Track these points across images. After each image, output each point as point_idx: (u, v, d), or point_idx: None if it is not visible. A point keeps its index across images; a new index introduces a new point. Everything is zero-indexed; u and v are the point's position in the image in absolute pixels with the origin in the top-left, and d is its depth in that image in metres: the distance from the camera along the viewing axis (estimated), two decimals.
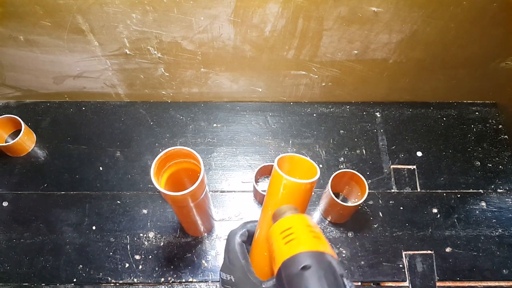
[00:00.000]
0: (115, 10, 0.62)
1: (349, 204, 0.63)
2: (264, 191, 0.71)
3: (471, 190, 0.74)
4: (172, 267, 0.66)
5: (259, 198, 0.72)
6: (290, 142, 0.79)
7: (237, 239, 0.50)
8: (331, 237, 0.69)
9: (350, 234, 0.69)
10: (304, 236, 0.39)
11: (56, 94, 0.81)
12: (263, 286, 0.46)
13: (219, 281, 0.52)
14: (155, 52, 0.70)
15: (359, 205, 0.64)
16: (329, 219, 0.70)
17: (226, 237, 0.52)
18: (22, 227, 0.69)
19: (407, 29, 0.66)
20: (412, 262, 0.67)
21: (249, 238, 0.51)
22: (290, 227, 0.41)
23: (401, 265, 0.67)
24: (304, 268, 0.35)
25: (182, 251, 0.67)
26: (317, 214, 0.72)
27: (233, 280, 0.48)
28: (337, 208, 0.65)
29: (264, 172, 0.73)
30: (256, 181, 0.72)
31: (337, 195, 0.71)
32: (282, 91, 0.81)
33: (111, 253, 0.67)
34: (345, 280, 0.34)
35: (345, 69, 0.75)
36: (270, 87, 0.80)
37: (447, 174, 0.76)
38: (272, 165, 0.68)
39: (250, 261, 0.48)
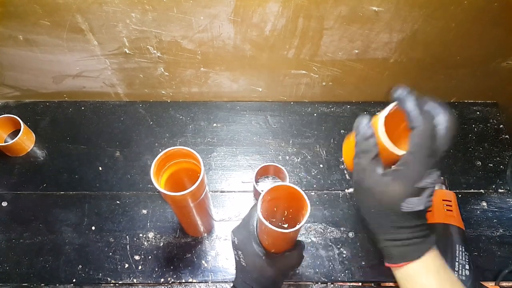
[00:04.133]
0: (115, 9, 0.61)
1: None
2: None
3: (472, 190, 0.74)
4: (171, 267, 0.66)
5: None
6: (291, 142, 0.79)
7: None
8: (331, 237, 0.69)
9: (351, 235, 0.69)
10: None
11: (56, 93, 0.81)
12: (263, 257, 0.48)
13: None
14: (155, 51, 0.70)
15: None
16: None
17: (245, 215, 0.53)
18: (21, 227, 0.69)
19: (407, 29, 0.66)
20: None
21: None
22: None
23: None
24: None
25: (182, 251, 0.67)
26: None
27: (236, 243, 0.50)
28: None
29: (264, 172, 0.73)
30: (256, 181, 0.72)
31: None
32: (283, 90, 0.81)
33: (110, 254, 0.67)
34: None
35: (345, 68, 0.75)
36: (270, 86, 0.80)
37: (448, 174, 0.75)
38: (272, 165, 0.68)
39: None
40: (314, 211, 0.71)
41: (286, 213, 0.53)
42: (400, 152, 0.41)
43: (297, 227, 0.43)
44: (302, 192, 0.44)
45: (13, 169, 0.75)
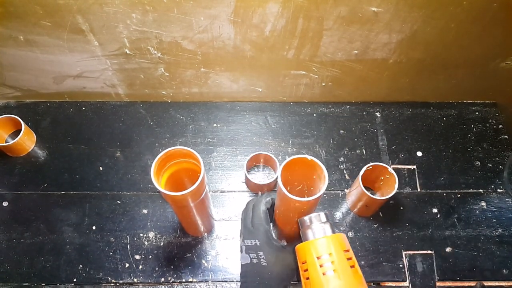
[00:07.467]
0: (115, 10, 0.62)
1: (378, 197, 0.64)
2: (254, 179, 0.72)
3: (471, 190, 0.74)
4: (172, 267, 0.66)
5: (251, 187, 0.73)
6: (290, 142, 0.79)
7: (262, 207, 0.54)
8: None
9: (350, 234, 0.69)
10: (344, 269, 0.42)
11: (56, 94, 0.81)
12: (284, 245, 0.51)
13: (241, 252, 0.54)
14: (155, 52, 0.70)
15: (388, 199, 0.64)
16: (355, 211, 0.71)
17: (245, 206, 0.58)
18: (22, 227, 0.69)
19: (407, 29, 0.66)
20: (412, 262, 0.67)
21: (271, 207, 0.55)
22: (329, 253, 0.43)
23: (401, 265, 0.67)
24: None
25: (182, 251, 0.67)
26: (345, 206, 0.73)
27: (258, 244, 0.52)
28: (372, 201, 0.65)
29: (256, 161, 0.75)
30: (248, 170, 0.73)
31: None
32: (282, 91, 0.81)
33: (111, 253, 0.67)
34: None
35: (345, 69, 0.75)
36: (270, 87, 0.80)
37: (447, 174, 0.76)
38: (262, 154, 0.71)
39: (271, 227, 0.53)
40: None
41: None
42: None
43: (318, 194, 0.44)
44: (319, 162, 0.46)
45: (14, 169, 0.75)
